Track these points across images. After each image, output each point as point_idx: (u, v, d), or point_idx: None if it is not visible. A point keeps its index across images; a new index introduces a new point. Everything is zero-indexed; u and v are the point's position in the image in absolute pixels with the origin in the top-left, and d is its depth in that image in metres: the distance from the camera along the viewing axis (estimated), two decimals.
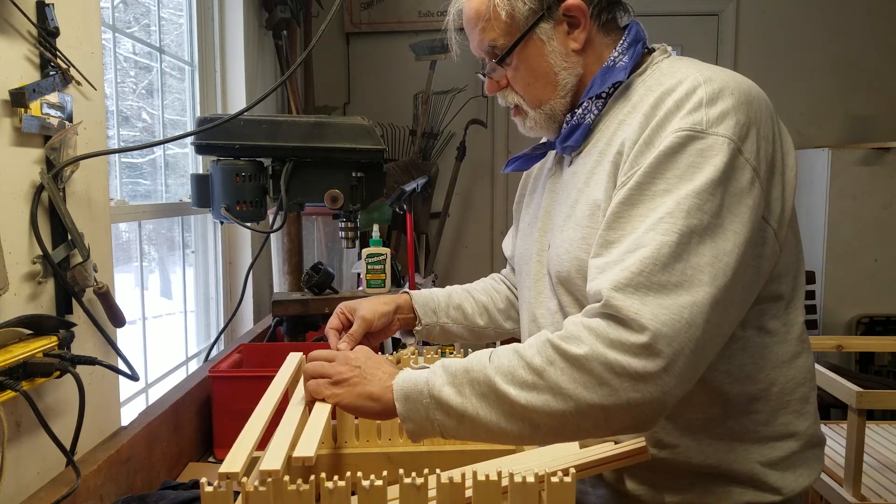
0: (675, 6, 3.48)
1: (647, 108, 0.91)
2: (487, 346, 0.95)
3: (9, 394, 0.92)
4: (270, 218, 1.72)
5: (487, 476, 0.74)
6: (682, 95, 0.88)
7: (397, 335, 1.28)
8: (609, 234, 0.86)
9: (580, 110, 1.01)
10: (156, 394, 1.73)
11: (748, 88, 0.89)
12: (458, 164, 3.42)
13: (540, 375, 0.81)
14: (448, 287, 1.32)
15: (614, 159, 0.92)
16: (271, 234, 2.12)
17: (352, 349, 1.11)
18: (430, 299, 1.27)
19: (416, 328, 1.25)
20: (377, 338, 1.22)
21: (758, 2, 3.54)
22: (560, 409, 0.80)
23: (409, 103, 3.53)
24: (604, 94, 1.00)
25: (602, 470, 0.90)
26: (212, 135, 1.44)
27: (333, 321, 1.18)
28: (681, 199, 0.81)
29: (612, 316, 0.79)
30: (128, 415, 1.37)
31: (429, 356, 1.15)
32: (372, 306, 1.19)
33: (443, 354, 1.15)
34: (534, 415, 0.81)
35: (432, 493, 0.75)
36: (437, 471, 0.75)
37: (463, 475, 0.75)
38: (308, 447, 0.80)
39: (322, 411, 0.91)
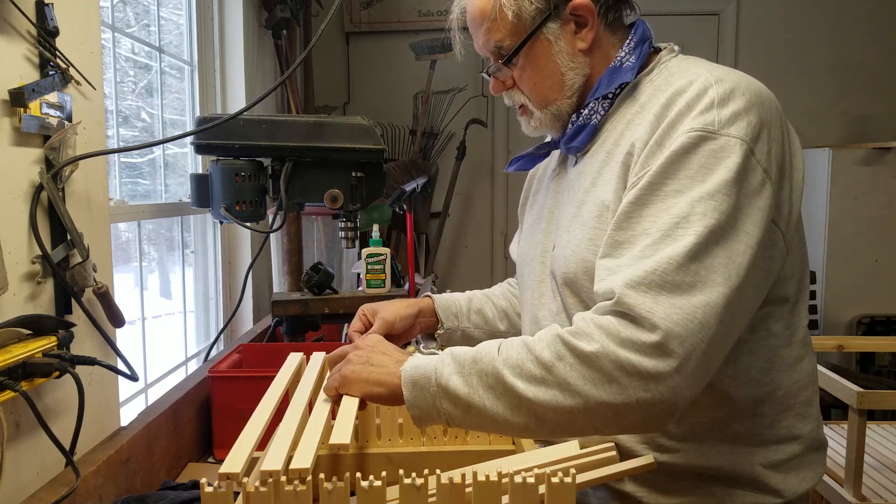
0: (675, 6, 3.48)
1: (657, 108, 0.90)
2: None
3: (8, 394, 0.92)
4: (270, 218, 1.72)
5: (487, 476, 0.74)
6: (693, 96, 0.87)
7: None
8: (619, 235, 0.85)
9: (586, 111, 1.00)
10: (155, 394, 1.73)
11: (759, 89, 0.89)
12: (458, 163, 3.42)
13: (549, 370, 0.80)
14: (467, 292, 1.31)
15: (624, 160, 0.91)
16: (271, 234, 2.12)
17: None
18: (451, 303, 1.26)
19: (438, 332, 1.25)
20: (397, 340, 1.22)
21: (758, 2, 3.54)
22: (568, 405, 0.79)
23: (409, 103, 3.52)
24: (610, 95, 0.99)
25: (606, 480, 0.90)
26: (211, 134, 1.44)
27: (356, 324, 1.19)
28: (695, 201, 0.81)
29: (624, 314, 0.79)
30: (127, 415, 1.37)
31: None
32: (394, 309, 1.19)
33: None
34: (540, 409, 0.81)
35: (432, 493, 0.75)
36: (437, 471, 0.75)
37: (463, 475, 0.75)
38: (343, 434, 0.79)
39: (351, 401, 0.91)
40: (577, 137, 1.01)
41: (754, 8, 3.54)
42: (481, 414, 0.83)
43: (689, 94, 0.88)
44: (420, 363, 0.88)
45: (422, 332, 1.26)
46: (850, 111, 3.58)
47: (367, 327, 1.18)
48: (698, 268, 0.79)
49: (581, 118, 1.01)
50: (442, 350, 1.27)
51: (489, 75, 1.06)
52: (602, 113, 0.99)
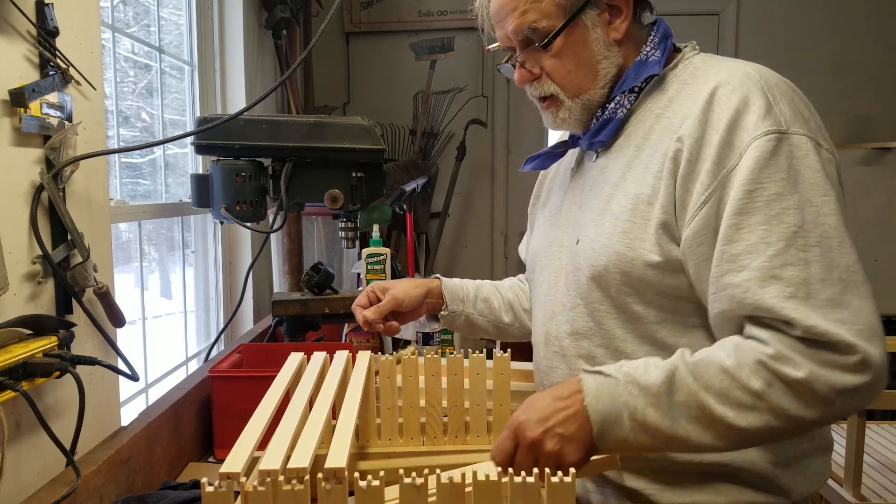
0: (675, 6, 3.48)
1: (701, 103, 0.90)
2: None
3: (9, 394, 0.92)
4: (270, 218, 1.72)
5: (487, 476, 0.74)
6: (745, 92, 0.89)
7: (405, 337, 1.28)
8: (733, 248, 0.85)
9: (612, 105, 1.01)
10: (156, 394, 1.73)
11: (784, 79, 0.94)
12: (458, 164, 3.42)
13: (760, 398, 0.81)
14: (478, 280, 1.34)
15: (674, 156, 0.90)
16: (271, 234, 2.12)
17: (378, 321, 1.18)
18: (459, 288, 1.29)
19: (442, 313, 1.27)
20: (405, 318, 1.24)
21: (758, 1, 3.54)
22: (780, 427, 0.82)
23: (409, 103, 3.52)
24: (636, 89, 1.00)
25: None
26: (212, 135, 1.44)
27: (361, 299, 1.21)
28: (805, 207, 0.83)
29: (817, 341, 0.81)
30: (128, 415, 1.37)
31: (429, 356, 1.15)
32: (404, 287, 1.22)
33: (442, 355, 1.15)
34: (751, 434, 0.83)
35: (432, 493, 0.75)
36: (437, 471, 0.75)
37: (463, 475, 0.75)
38: (339, 457, 0.77)
39: (349, 417, 0.90)
40: (602, 131, 1.01)
41: (754, 8, 3.54)
42: (683, 443, 0.84)
43: (740, 91, 0.89)
44: (602, 396, 0.84)
45: (428, 312, 1.28)
46: (850, 111, 3.57)
47: (374, 303, 1.21)
48: (840, 273, 0.82)
49: (607, 112, 1.01)
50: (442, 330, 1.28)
51: (515, 66, 1.04)
52: (627, 106, 1.00)
